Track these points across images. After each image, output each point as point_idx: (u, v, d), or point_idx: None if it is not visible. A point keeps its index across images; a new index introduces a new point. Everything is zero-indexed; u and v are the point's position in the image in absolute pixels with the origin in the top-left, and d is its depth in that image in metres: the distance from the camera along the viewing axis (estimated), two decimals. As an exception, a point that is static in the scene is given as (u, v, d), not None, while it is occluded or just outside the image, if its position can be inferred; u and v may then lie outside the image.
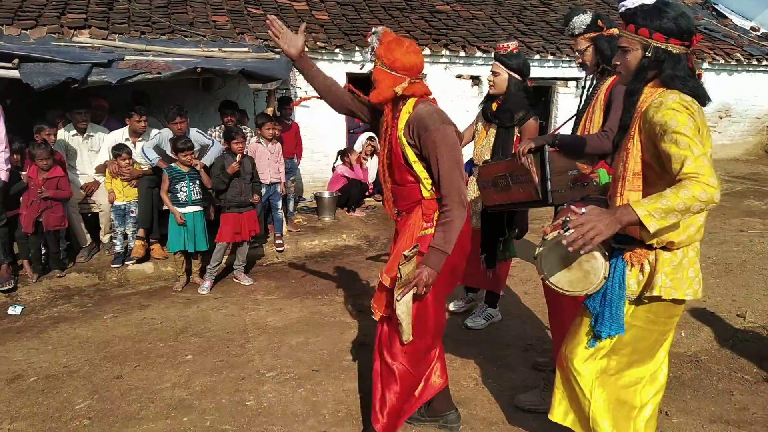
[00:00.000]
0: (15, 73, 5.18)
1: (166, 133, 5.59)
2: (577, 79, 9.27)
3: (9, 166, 4.96)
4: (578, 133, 3.02)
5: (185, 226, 5.09)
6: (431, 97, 2.62)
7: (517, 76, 3.71)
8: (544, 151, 2.68)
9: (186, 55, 6.40)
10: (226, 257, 5.47)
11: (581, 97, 3.12)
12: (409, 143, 2.53)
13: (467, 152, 3.93)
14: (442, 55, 8.46)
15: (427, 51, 8.31)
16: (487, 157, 3.84)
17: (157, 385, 3.48)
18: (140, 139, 5.73)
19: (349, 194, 7.64)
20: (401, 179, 2.62)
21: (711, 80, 9.95)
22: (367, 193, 8.20)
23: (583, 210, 1.97)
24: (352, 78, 8.14)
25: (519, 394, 3.27)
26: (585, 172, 2.76)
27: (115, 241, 5.59)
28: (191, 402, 3.29)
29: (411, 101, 2.56)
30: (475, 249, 3.97)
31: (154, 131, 5.83)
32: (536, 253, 2.23)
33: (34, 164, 5.04)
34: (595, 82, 3.04)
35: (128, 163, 5.49)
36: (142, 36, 7.08)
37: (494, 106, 3.85)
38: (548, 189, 2.63)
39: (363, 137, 8.19)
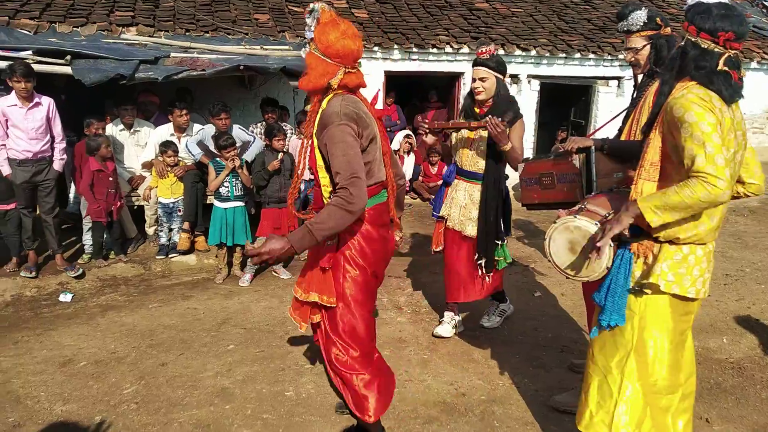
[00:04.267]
0: (67, 70, 5.40)
1: (210, 129, 5.73)
2: (618, 78, 9.12)
3: (65, 157, 5.17)
4: (624, 135, 2.99)
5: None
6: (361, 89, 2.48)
7: (501, 76, 3.67)
8: (591, 153, 2.68)
9: (229, 52, 6.55)
10: (265, 251, 5.58)
11: (632, 96, 3.09)
12: (318, 144, 2.39)
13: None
14: (480, 54, 8.41)
15: (465, 49, 8.30)
16: (481, 163, 3.74)
17: (201, 373, 3.60)
18: (185, 134, 5.90)
19: (385, 191, 7.69)
20: (315, 181, 2.49)
21: (759, 80, 9.66)
22: (403, 191, 8.24)
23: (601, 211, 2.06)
24: (390, 75, 8.22)
25: (555, 395, 3.27)
26: (631, 175, 2.75)
27: (160, 233, 5.77)
28: (233, 390, 3.39)
29: (329, 96, 2.40)
30: (470, 259, 3.85)
31: (198, 127, 5.99)
32: (547, 234, 2.28)
33: (92, 157, 5.25)
34: (643, 83, 3.00)
35: (173, 160, 5.66)
36: (187, 33, 7.27)
37: (477, 110, 3.74)
38: (594, 191, 2.62)
39: (400, 135, 8.23)
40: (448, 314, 4.15)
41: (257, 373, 3.60)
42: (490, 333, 4.17)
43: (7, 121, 4.80)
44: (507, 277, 4.41)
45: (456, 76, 8.67)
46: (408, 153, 8.21)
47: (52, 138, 5.04)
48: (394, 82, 8.52)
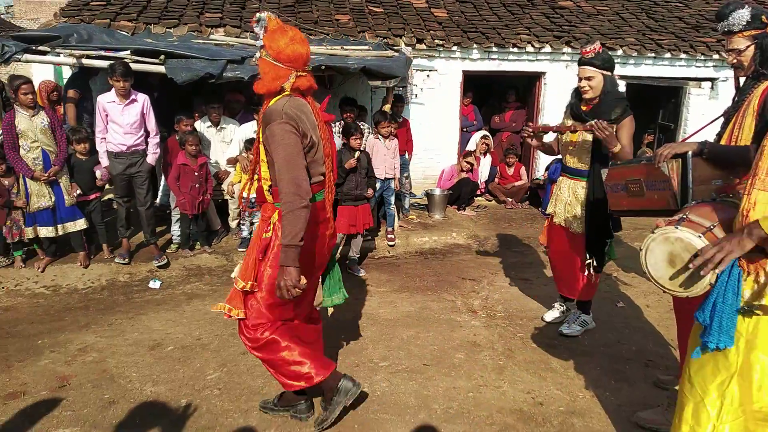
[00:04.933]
0: (161, 69, 5.69)
1: (290, 127, 5.87)
2: (712, 80, 8.61)
3: (158, 151, 5.47)
4: (724, 139, 2.81)
5: None
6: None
7: (609, 72, 3.64)
8: (687, 158, 2.52)
9: (311, 52, 6.68)
10: (340, 248, 5.67)
11: (734, 99, 2.90)
12: (263, 140, 2.52)
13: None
14: (563, 53, 8.18)
15: (547, 48, 8.09)
16: (585, 158, 3.77)
17: (279, 365, 3.69)
18: (267, 131, 6.08)
19: (460, 192, 7.63)
20: (258, 174, 2.66)
21: None
22: (478, 192, 8.14)
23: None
24: (468, 75, 8.13)
25: (639, 412, 3.13)
26: (732, 182, 2.56)
27: (242, 227, 5.99)
28: (310, 383, 3.46)
29: (278, 98, 2.52)
30: (574, 256, 3.94)
31: (280, 125, 6.15)
32: (643, 244, 2.15)
33: (182, 151, 5.52)
34: (747, 85, 2.81)
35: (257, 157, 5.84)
36: (271, 34, 7.48)
37: (584, 107, 3.73)
38: (689, 199, 2.46)
39: (477, 135, 8.14)
40: (557, 303, 4.38)
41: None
42: (569, 342, 4.04)
43: (107, 116, 5.14)
44: (588, 285, 4.27)
45: (537, 76, 8.46)
46: (484, 154, 8.11)
47: (147, 133, 5.34)
48: (471, 81, 8.42)
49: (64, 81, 6.76)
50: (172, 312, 4.63)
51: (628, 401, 3.30)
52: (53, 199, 5.20)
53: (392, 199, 6.34)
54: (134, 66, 5.40)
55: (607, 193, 3.14)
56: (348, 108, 6.48)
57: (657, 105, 9.46)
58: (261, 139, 2.56)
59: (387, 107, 6.46)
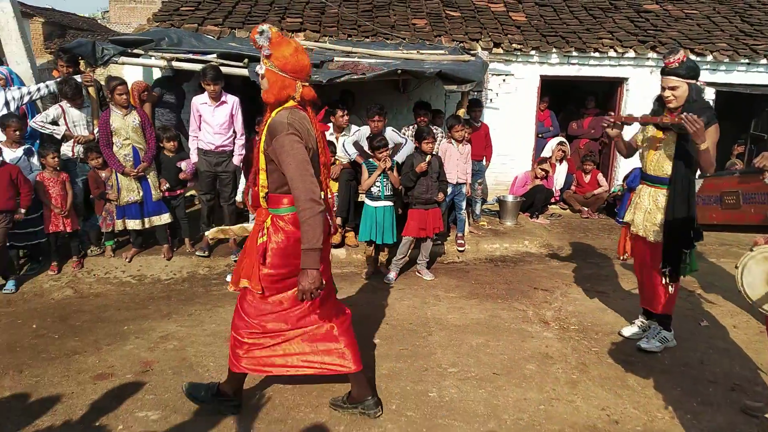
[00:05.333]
0: (244, 71, 5.90)
1: (365, 131, 5.96)
2: (813, 88, 8.01)
3: (243, 152, 5.68)
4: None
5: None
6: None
7: (694, 81, 3.53)
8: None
9: (387, 56, 6.75)
10: (410, 251, 5.68)
11: None
12: (265, 149, 2.64)
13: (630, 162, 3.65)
14: (648, 58, 7.86)
15: (630, 53, 7.79)
16: (667, 167, 3.66)
17: (348, 364, 3.75)
18: (342, 134, 6.19)
19: (534, 200, 7.47)
20: (254, 181, 2.78)
21: None
22: (552, 200, 7.95)
23: None
24: (546, 80, 7.96)
25: (725, 437, 2.95)
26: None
27: (313, 226, 6.11)
28: (378, 384, 3.49)
29: (279, 109, 2.64)
30: (654, 267, 3.83)
31: (355, 128, 6.25)
32: (740, 262, 2.01)
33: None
34: None
35: (332, 159, 5.97)
36: (349, 38, 7.63)
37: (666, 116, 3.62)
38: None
39: (553, 142, 7.95)
40: (639, 319, 4.26)
41: (401, 369, 3.67)
42: (647, 360, 3.87)
43: (200, 116, 5.41)
44: (669, 301, 4.07)
45: (618, 82, 8.17)
46: (560, 161, 7.90)
47: (235, 134, 5.57)
48: (549, 86, 8.24)
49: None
50: (246, 306, 4.78)
51: (712, 426, 3.12)
52: (141, 193, 5.51)
53: (463, 204, 6.30)
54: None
55: (697, 205, 2.99)
56: (422, 112, 6.49)
57: (749, 114, 8.90)
58: (262, 149, 2.68)
59: (461, 112, 6.42)
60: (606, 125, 3.84)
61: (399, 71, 5.90)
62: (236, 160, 5.63)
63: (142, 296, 5.05)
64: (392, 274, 5.49)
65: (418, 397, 3.36)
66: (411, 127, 6.64)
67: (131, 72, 7.52)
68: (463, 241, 6.30)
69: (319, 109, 3.01)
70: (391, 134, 5.95)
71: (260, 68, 2.64)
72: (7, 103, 5.51)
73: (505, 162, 8.07)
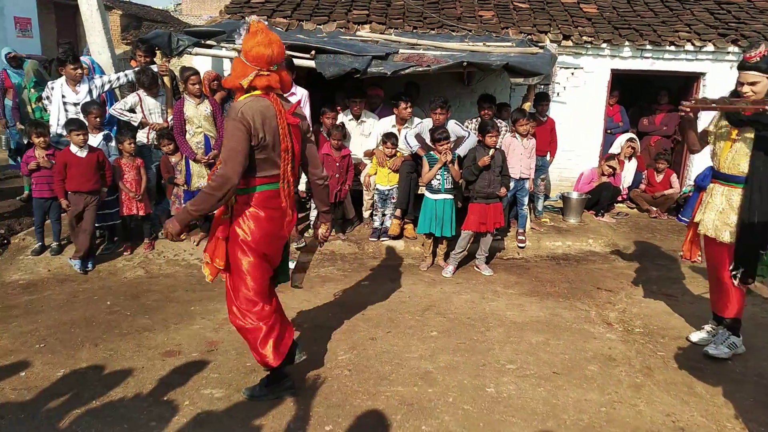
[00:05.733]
0: (311, 63, 6.00)
1: (427, 123, 5.94)
2: None
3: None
4: None
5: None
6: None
7: None
8: None
9: (452, 49, 6.69)
10: (469, 245, 5.64)
11: None
12: None
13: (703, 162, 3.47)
14: (728, 53, 7.45)
15: (709, 47, 7.41)
16: (744, 165, 3.50)
17: (406, 353, 3.77)
18: (405, 126, 6.20)
19: (599, 197, 7.25)
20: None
21: None
22: (619, 199, 7.69)
23: None
24: (616, 74, 7.69)
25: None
26: None
27: (374, 217, 6.17)
28: (435, 376, 3.50)
29: (245, 96, 2.81)
30: (723, 268, 3.68)
31: (417, 120, 6.25)
32: None
33: (327, 141, 5.82)
34: None
35: (392, 151, 5.99)
36: (414, 30, 7.61)
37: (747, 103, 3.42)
38: None
39: (622, 138, 7.67)
40: (709, 324, 4.11)
41: (459, 363, 3.66)
42: (716, 367, 3.70)
43: (268, 106, 5.54)
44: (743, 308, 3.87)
45: (695, 77, 7.79)
46: (629, 158, 7.62)
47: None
48: (619, 80, 7.95)
49: (224, 73, 7.37)
50: (307, 292, 4.88)
51: (788, 441, 2.95)
52: (210, 180, 5.70)
53: (525, 200, 6.18)
54: (287, 60, 5.76)
55: None
56: (486, 105, 6.40)
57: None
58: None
59: (527, 105, 6.29)
60: (683, 113, 3.64)
61: (464, 63, 5.84)
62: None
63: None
64: (450, 268, 5.46)
65: (476, 391, 3.34)
66: (474, 120, 6.57)
67: (201, 62, 7.78)
68: (524, 237, 6.19)
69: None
70: (453, 127, 5.91)
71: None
72: (89, 91, 5.82)
73: (570, 158, 7.85)
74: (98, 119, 5.52)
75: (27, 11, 15.02)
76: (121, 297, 4.76)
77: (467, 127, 6.37)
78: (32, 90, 6.73)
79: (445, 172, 5.39)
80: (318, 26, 7.65)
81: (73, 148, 5.13)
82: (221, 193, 2.73)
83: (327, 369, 3.57)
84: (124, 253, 5.64)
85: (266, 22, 7.48)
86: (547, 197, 7.56)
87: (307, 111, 5.66)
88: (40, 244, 5.60)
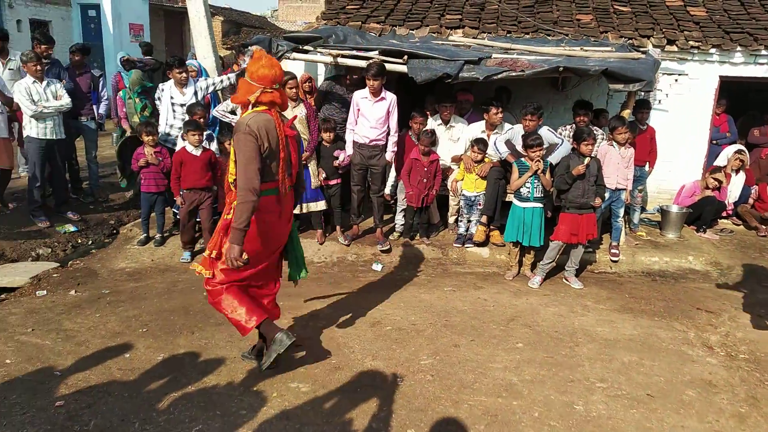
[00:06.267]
0: (403, 68, 6.04)
1: (518, 129, 5.83)
2: None
3: (396, 149, 5.84)
4: None
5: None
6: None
7: None
8: None
9: (548, 53, 6.52)
10: (558, 256, 5.46)
11: None
12: (233, 144, 3.12)
13: None
14: None
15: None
16: None
17: (490, 363, 3.71)
18: (495, 132, 6.11)
19: (702, 212, 6.80)
20: (227, 167, 3.29)
21: None
22: (723, 214, 7.18)
23: None
24: (725, 81, 7.21)
25: None
26: None
27: (460, 223, 6.13)
28: (521, 389, 3.42)
29: (249, 111, 3.17)
30: None
31: (508, 126, 6.13)
32: None
33: (416, 146, 5.86)
34: None
35: (480, 157, 5.92)
36: (508, 35, 7.48)
37: None
38: None
39: (730, 150, 7.16)
40: None
41: (545, 377, 3.56)
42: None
43: (358, 110, 5.66)
44: None
45: (817, 85, 7.15)
46: (737, 171, 7.10)
47: (389, 130, 5.74)
48: (727, 88, 7.42)
49: (319, 76, 7.58)
50: (390, 295, 4.93)
51: None
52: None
53: (621, 212, 5.91)
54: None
55: None
56: (581, 111, 6.19)
57: None
58: (232, 142, 3.17)
59: (626, 113, 6.01)
60: None
61: (561, 68, 5.68)
62: (388, 155, 5.80)
63: (296, 276, 5.41)
64: (537, 279, 5.32)
65: (563, 408, 3.23)
66: (569, 126, 6.37)
67: (294, 67, 8.05)
68: (617, 251, 5.92)
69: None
70: (546, 133, 5.75)
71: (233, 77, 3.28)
72: (195, 93, 6.19)
73: (670, 169, 7.41)
74: (202, 120, 5.85)
75: (140, 18, 16.20)
76: (215, 289, 5.00)
77: (560, 133, 6.18)
78: (137, 100, 7.06)
79: (536, 180, 5.25)
80: (411, 31, 7.71)
81: (189, 147, 5.49)
82: (253, 199, 3.03)
83: (409, 372, 3.58)
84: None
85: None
86: (643, 209, 7.20)
87: (394, 116, 5.71)
88: (145, 235, 6.01)
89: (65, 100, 6.23)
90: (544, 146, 5.44)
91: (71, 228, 6.43)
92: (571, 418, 3.13)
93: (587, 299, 5.00)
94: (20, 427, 2.94)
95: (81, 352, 3.75)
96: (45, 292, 4.81)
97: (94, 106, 7.32)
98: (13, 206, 6.73)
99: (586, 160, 5.19)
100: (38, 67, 6.07)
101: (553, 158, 5.60)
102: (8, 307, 4.50)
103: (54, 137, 6.26)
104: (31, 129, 6.13)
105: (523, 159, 5.39)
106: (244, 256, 3.11)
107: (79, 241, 6.30)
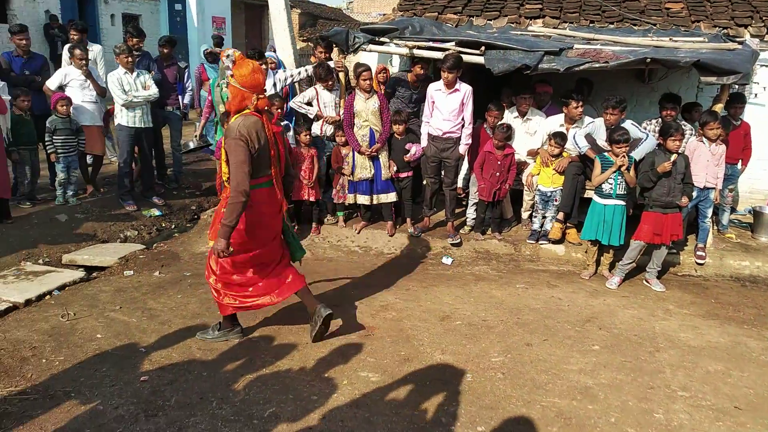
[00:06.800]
0: (480, 59, 5.93)
1: (599, 123, 5.59)
2: None
3: (470, 142, 5.76)
4: None
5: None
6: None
7: None
8: None
9: (633, 44, 6.22)
10: (639, 257, 5.22)
11: None
12: (224, 145, 3.37)
13: None
14: None
15: None
16: None
17: (564, 365, 3.61)
18: (574, 125, 5.90)
19: (801, 215, 6.30)
20: (219, 170, 3.58)
21: None
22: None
23: None
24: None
25: None
26: None
27: (534, 219, 5.97)
28: (596, 393, 3.30)
29: (237, 116, 3.36)
30: None
31: (588, 119, 5.90)
32: None
33: (490, 139, 5.76)
34: None
35: (558, 151, 5.74)
36: (591, 25, 7.19)
37: None
38: None
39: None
40: None
41: (623, 382, 3.42)
42: None
43: (433, 102, 5.62)
44: None
45: None
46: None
47: (463, 122, 5.66)
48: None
49: (393, 68, 7.57)
50: (460, 289, 4.88)
51: None
52: (373, 172, 5.91)
53: (709, 212, 5.56)
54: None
55: None
56: (669, 105, 5.86)
57: None
58: (223, 145, 3.41)
59: (719, 107, 5.64)
60: None
61: (648, 60, 5.39)
62: (462, 148, 5.72)
63: (366, 266, 5.46)
64: (616, 279, 5.11)
65: (642, 415, 3.09)
66: (654, 120, 6.06)
67: (368, 58, 8.08)
68: (704, 254, 5.58)
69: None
70: (630, 128, 5.48)
71: (224, 82, 3.37)
72: (274, 84, 6.33)
73: (765, 167, 6.90)
74: (280, 111, 5.99)
75: (223, 11, 16.79)
76: (289, 276, 5.12)
77: (645, 128, 5.89)
78: (224, 89, 7.31)
79: (619, 177, 5.03)
80: (488, 21, 7.56)
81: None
82: (242, 200, 3.28)
83: (480, 369, 3.53)
84: (293, 236, 6.07)
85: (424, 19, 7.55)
86: (734, 210, 6.75)
87: (468, 108, 5.63)
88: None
89: (153, 91, 6.55)
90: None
91: (156, 212, 6.78)
92: (650, 427, 2.99)
93: (669, 303, 4.76)
94: (109, 397, 3.13)
95: (164, 331, 3.95)
96: (132, 272, 5.10)
97: (179, 97, 7.66)
98: (104, 190, 7.17)
99: (673, 157, 4.92)
100: (129, 59, 6.41)
101: (638, 154, 5.34)
102: (99, 284, 4.80)
103: (142, 125, 6.60)
104: (122, 117, 6.50)
105: (605, 154, 5.17)
106: (230, 249, 3.37)
107: (163, 225, 6.63)
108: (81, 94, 6.61)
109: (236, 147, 3.30)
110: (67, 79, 6.56)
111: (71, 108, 6.43)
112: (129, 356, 3.60)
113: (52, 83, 6.54)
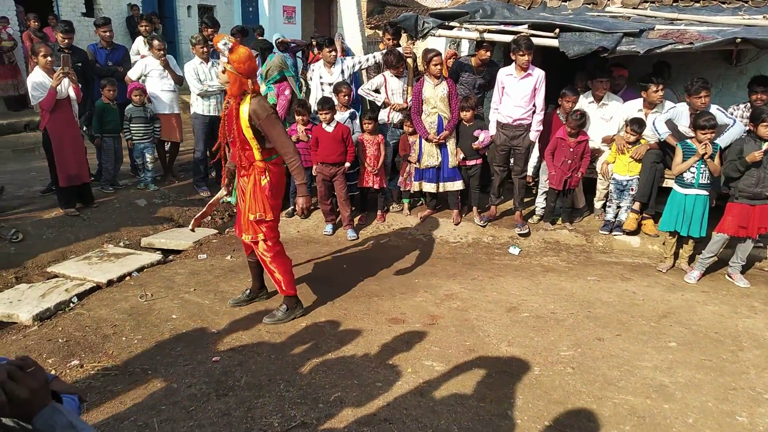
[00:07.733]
0: (554, 42, 5.72)
1: (681, 108, 5.27)
2: None
3: (541, 128, 5.59)
4: None
5: None
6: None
7: None
8: None
9: (722, 23, 5.81)
10: (721, 250, 4.91)
11: None
12: (250, 124, 3.56)
13: None
14: None
15: None
16: None
17: (638, 361, 3.45)
18: (654, 111, 5.60)
19: None
20: (242, 147, 3.68)
21: None
22: None
23: None
24: None
25: None
26: None
27: (608, 209, 5.73)
28: (673, 392, 3.14)
29: (248, 97, 3.55)
30: None
31: (669, 104, 5.58)
32: None
33: (563, 125, 5.57)
34: None
35: (636, 138, 5.47)
36: (674, 4, 6.78)
37: None
38: None
39: None
40: None
41: (702, 382, 3.24)
42: None
43: (503, 88, 5.48)
44: None
45: None
46: None
47: (534, 108, 5.49)
48: None
49: (463, 53, 7.45)
50: (528, 280, 4.77)
51: None
52: (440, 159, 5.84)
53: (802, 205, 5.14)
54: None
55: None
56: (760, 89, 5.44)
57: None
58: (247, 125, 3.56)
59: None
60: None
61: (738, 40, 5.03)
62: (533, 135, 5.56)
63: (431, 254, 5.43)
64: (696, 273, 4.84)
65: (723, 417, 2.92)
66: (742, 105, 5.66)
67: (436, 44, 7.96)
68: (795, 249, 5.19)
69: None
70: (716, 113, 5.14)
71: (221, 68, 3.53)
72: (342, 72, 6.37)
73: None
74: (347, 98, 6.02)
75: (293, 1, 17.02)
76: (354, 262, 5.18)
77: (732, 113, 5.50)
78: (273, 85, 6.53)
79: (702, 165, 4.74)
80: (563, 3, 7.27)
81: (324, 124, 5.68)
82: (300, 158, 3.71)
83: (548, 363, 3.44)
84: (359, 223, 6.12)
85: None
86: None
87: (541, 93, 5.44)
88: (292, 208, 6.36)
89: None
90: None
91: (228, 198, 6.99)
92: (732, 430, 2.81)
93: (754, 299, 4.46)
94: (183, 376, 3.28)
95: (235, 314, 4.08)
96: (205, 255, 5.30)
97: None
98: (180, 176, 7.48)
99: (765, 145, 4.58)
100: (205, 49, 6.60)
101: (723, 141, 5.00)
102: (175, 267, 5.02)
103: (216, 114, 6.81)
104: (197, 106, 6.73)
105: (688, 141, 4.88)
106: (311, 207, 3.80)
107: (235, 211, 6.83)
108: (160, 84, 6.89)
109: (276, 121, 3.63)
110: (147, 69, 6.85)
111: (147, 97, 6.72)
112: (202, 337, 3.75)
113: (133, 73, 6.84)
